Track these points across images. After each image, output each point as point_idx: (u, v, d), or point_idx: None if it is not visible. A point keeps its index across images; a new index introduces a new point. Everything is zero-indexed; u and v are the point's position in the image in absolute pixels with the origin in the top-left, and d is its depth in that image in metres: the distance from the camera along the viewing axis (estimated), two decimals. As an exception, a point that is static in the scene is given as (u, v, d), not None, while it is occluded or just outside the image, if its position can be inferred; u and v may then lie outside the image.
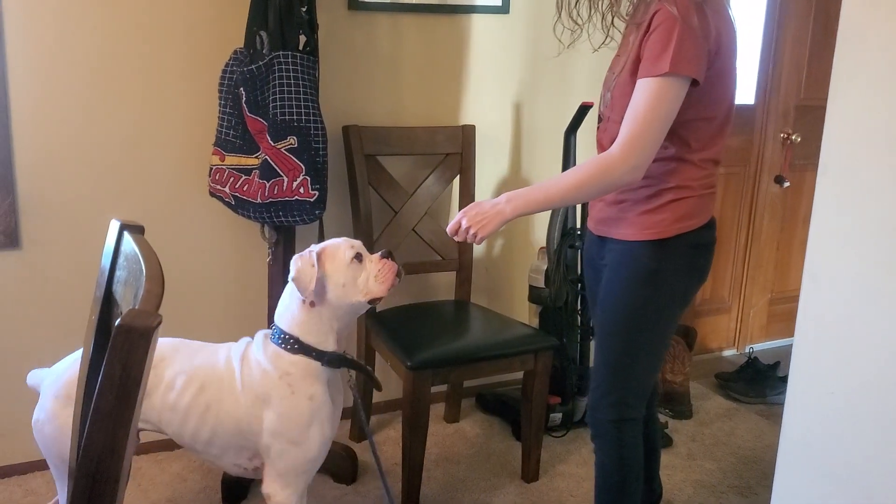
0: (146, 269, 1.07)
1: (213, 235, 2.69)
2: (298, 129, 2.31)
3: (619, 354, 1.90)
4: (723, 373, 3.51)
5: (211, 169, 2.45)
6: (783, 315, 3.98)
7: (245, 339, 1.96)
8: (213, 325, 2.73)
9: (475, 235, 1.78)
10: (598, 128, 1.96)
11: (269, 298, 2.62)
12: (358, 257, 1.87)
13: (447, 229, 1.86)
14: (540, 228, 3.17)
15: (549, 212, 2.82)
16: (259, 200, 2.35)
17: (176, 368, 1.88)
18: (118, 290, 1.25)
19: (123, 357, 0.90)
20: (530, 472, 2.66)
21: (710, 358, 3.80)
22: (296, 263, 1.84)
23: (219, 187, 2.43)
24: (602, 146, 1.89)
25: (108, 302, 1.29)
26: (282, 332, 1.87)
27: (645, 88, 1.67)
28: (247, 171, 2.38)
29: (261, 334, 1.93)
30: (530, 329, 2.75)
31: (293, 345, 1.84)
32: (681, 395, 3.20)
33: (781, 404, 3.23)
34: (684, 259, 1.84)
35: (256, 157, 2.36)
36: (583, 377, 3.01)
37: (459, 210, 2.84)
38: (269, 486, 1.87)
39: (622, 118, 1.74)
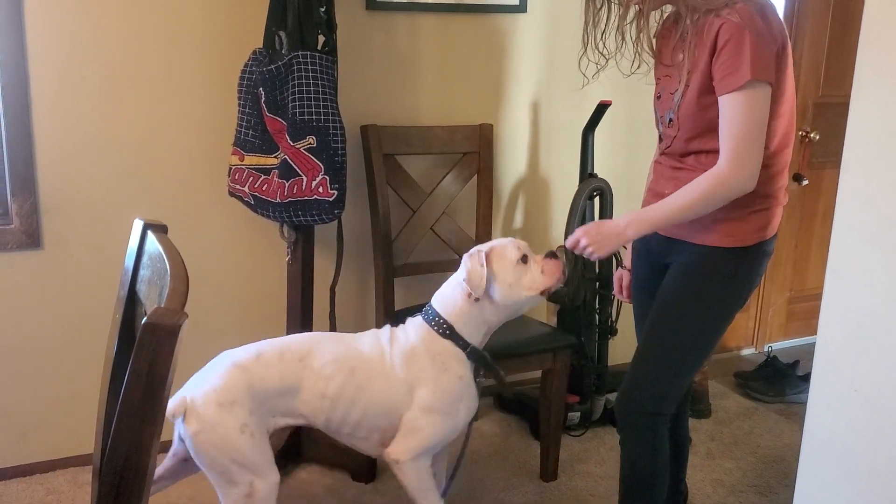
0: (171, 267, 1.08)
1: (233, 235, 2.71)
2: (317, 128, 2.31)
3: (674, 350, 1.91)
4: (742, 372, 3.49)
5: (230, 169, 2.46)
6: (802, 314, 3.96)
7: (387, 326, 2.07)
8: (232, 324, 2.74)
9: (592, 253, 1.85)
10: (661, 145, 1.97)
11: (288, 297, 2.63)
12: (524, 258, 1.98)
13: (566, 244, 1.92)
14: (558, 226, 3.17)
15: (568, 209, 2.81)
16: (278, 200, 2.36)
17: (324, 359, 1.95)
18: (142, 289, 1.26)
19: (150, 354, 0.91)
20: (549, 471, 2.65)
21: (728, 357, 3.78)
22: (465, 264, 1.97)
23: (238, 187, 2.44)
24: (663, 164, 1.95)
25: (131, 301, 1.31)
26: (437, 315, 2.00)
27: (733, 102, 1.70)
28: (266, 171, 2.39)
29: (417, 319, 2.04)
30: (548, 328, 2.75)
31: (445, 330, 1.98)
32: (700, 393, 3.19)
33: (801, 403, 3.26)
34: (756, 266, 1.89)
35: (276, 157, 2.37)
36: (601, 376, 3.01)
37: (478, 207, 2.89)
38: (402, 449, 1.95)
39: (693, 135, 1.80)
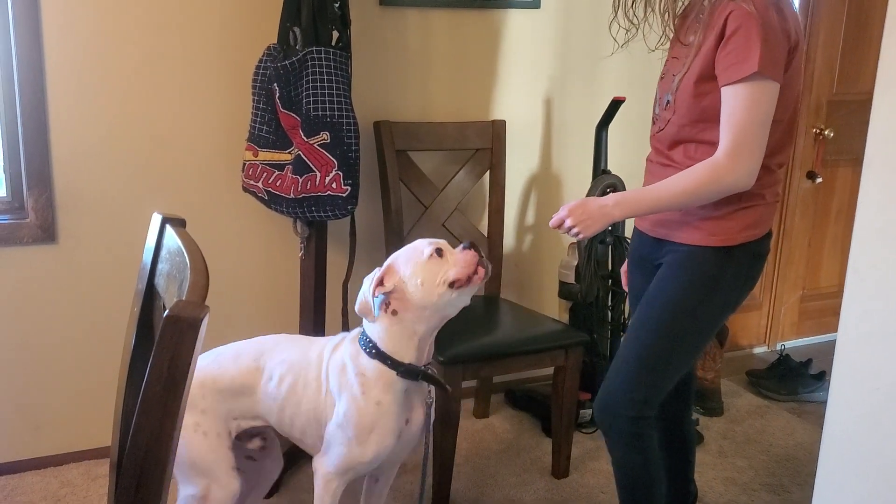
0: (191, 261, 1.08)
1: (246, 230, 2.71)
2: (331, 124, 2.31)
3: (656, 353, 1.84)
4: (754, 370, 3.48)
5: (244, 164, 2.47)
6: (815, 312, 3.94)
7: (343, 334, 1.99)
8: (245, 319, 2.75)
9: (578, 233, 1.77)
10: (653, 128, 1.91)
11: (301, 292, 2.63)
12: (438, 252, 1.81)
13: (550, 223, 1.82)
14: (570, 224, 3.16)
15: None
16: (292, 195, 2.36)
17: (276, 360, 1.92)
18: (160, 282, 1.26)
19: (172, 347, 0.91)
20: (560, 468, 2.65)
21: (741, 355, 3.77)
22: (360, 298, 1.84)
23: (252, 182, 2.45)
24: (657, 149, 1.88)
25: (149, 295, 1.31)
26: (364, 333, 1.87)
27: (736, 94, 1.62)
28: (280, 167, 2.39)
29: (355, 331, 1.93)
30: (561, 325, 2.75)
31: (370, 349, 1.84)
32: (712, 392, 3.18)
33: (814, 402, 3.25)
34: (744, 268, 1.82)
35: (289, 153, 2.38)
36: (613, 373, 3.00)
37: (490, 204, 2.89)
38: (320, 462, 1.88)
39: (686, 121, 1.74)
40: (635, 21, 1.84)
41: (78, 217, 2.49)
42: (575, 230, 1.76)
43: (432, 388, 1.89)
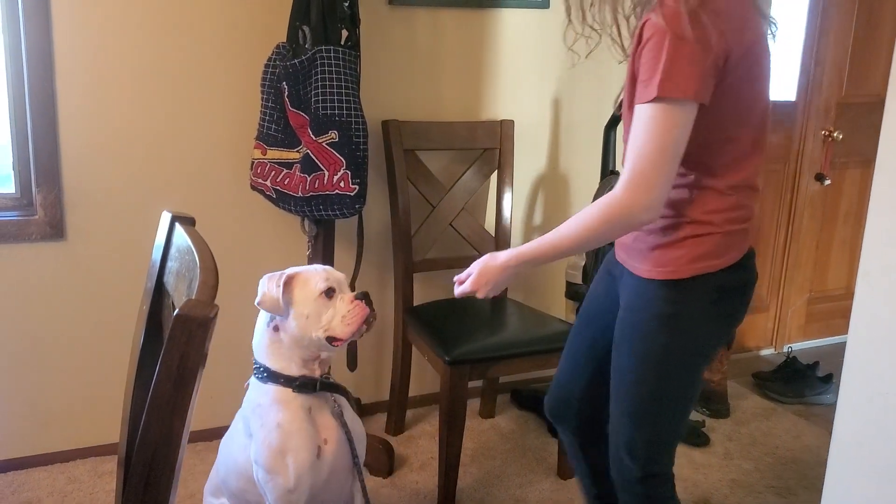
0: (200, 260, 1.08)
1: (254, 229, 2.71)
2: (340, 123, 2.32)
3: (642, 403, 1.65)
4: (760, 372, 3.47)
5: (252, 163, 2.47)
6: (822, 314, 3.93)
7: None
8: (251, 319, 2.75)
9: (483, 296, 1.69)
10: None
11: (307, 291, 2.63)
12: (329, 292, 1.76)
13: (456, 294, 1.72)
14: (577, 224, 3.15)
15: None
16: (300, 194, 2.36)
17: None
18: (169, 280, 1.26)
19: (181, 346, 0.91)
20: (566, 468, 2.64)
21: (747, 357, 3.76)
22: (262, 286, 1.78)
23: (260, 181, 2.45)
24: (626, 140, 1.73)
25: (158, 293, 1.31)
26: (256, 361, 1.82)
27: (641, 116, 1.44)
28: (288, 165, 2.40)
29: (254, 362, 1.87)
30: (568, 325, 2.74)
31: (262, 374, 1.79)
32: (718, 393, 3.18)
33: (820, 405, 3.24)
34: (706, 303, 1.58)
35: (298, 151, 2.38)
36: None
37: (497, 204, 2.88)
38: None
39: (629, 117, 1.57)
40: (596, 27, 1.62)
41: (86, 214, 2.50)
42: (480, 294, 1.67)
43: (338, 396, 1.83)
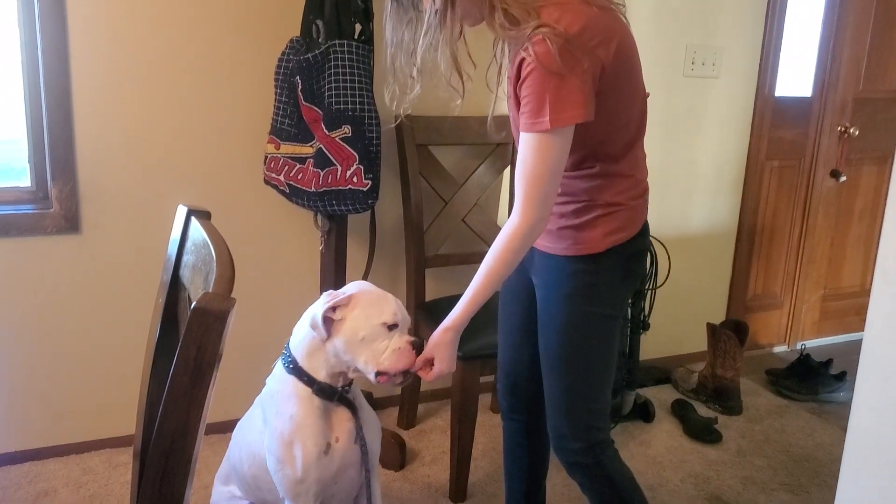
0: (216, 253, 1.09)
1: (267, 223, 2.72)
2: (353, 118, 2.32)
3: (576, 374, 1.78)
4: (774, 369, 3.46)
5: (266, 157, 2.48)
6: (836, 312, 3.91)
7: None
8: (265, 313, 2.77)
9: (445, 371, 1.73)
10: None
11: (320, 286, 2.64)
12: (393, 326, 1.73)
13: (430, 379, 1.75)
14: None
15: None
16: (313, 189, 2.37)
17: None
18: (185, 274, 1.27)
19: (198, 338, 0.91)
20: (578, 464, 2.65)
21: (760, 354, 3.75)
22: (323, 300, 1.74)
23: (273, 175, 2.46)
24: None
25: (174, 286, 1.32)
26: (287, 348, 1.81)
27: (530, 144, 1.57)
28: (301, 160, 2.40)
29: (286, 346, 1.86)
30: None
31: (289, 364, 1.78)
32: (731, 390, 3.17)
33: (834, 402, 3.23)
34: (618, 269, 1.76)
35: (311, 146, 2.38)
36: (631, 371, 3.00)
37: (510, 199, 2.87)
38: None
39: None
40: (416, 75, 1.74)
41: (101, 208, 2.51)
42: (444, 371, 1.72)
43: (357, 411, 1.82)
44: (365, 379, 1.75)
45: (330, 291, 1.77)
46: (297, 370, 1.77)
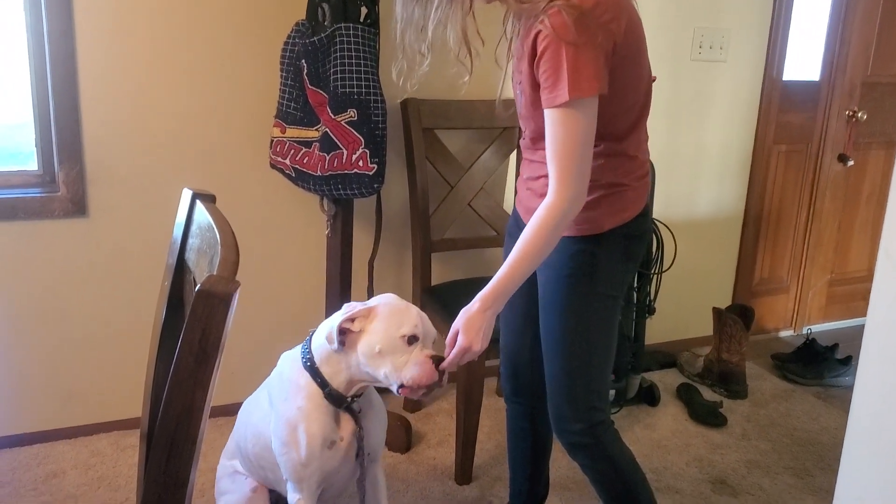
0: (221, 236, 1.09)
1: (273, 207, 2.73)
2: (358, 101, 2.32)
3: (577, 355, 1.79)
4: (779, 353, 3.46)
5: (272, 141, 2.48)
6: (842, 296, 3.91)
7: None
8: (271, 296, 2.77)
9: (478, 351, 1.66)
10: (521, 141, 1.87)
11: (327, 270, 2.65)
12: (413, 339, 1.69)
13: (447, 366, 1.67)
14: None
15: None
16: (319, 173, 2.37)
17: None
18: (191, 257, 1.27)
19: (203, 321, 0.92)
20: (583, 447, 2.66)
21: (766, 338, 3.75)
22: (344, 310, 1.72)
23: (279, 159, 2.46)
24: (522, 134, 1.83)
25: (180, 269, 1.33)
26: (309, 343, 1.80)
27: (555, 120, 1.57)
28: (307, 144, 2.40)
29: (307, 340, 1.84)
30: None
31: (307, 360, 1.77)
32: (737, 374, 3.17)
33: (839, 387, 3.23)
34: (619, 250, 1.76)
35: (317, 130, 2.38)
36: (637, 355, 3.00)
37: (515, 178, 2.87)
38: (289, 491, 1.81)
39: (535, 136, 1.72)
40: (425, 51, 1.72)
41: (108, 191, 2.52)
42: (475, 350, 1.65)
43: (361, 420, 1.80)
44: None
45: (352, 303, 1.75)
46: (312, 370, 1.76)
